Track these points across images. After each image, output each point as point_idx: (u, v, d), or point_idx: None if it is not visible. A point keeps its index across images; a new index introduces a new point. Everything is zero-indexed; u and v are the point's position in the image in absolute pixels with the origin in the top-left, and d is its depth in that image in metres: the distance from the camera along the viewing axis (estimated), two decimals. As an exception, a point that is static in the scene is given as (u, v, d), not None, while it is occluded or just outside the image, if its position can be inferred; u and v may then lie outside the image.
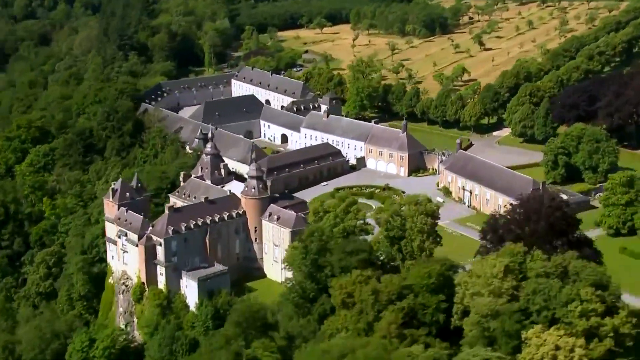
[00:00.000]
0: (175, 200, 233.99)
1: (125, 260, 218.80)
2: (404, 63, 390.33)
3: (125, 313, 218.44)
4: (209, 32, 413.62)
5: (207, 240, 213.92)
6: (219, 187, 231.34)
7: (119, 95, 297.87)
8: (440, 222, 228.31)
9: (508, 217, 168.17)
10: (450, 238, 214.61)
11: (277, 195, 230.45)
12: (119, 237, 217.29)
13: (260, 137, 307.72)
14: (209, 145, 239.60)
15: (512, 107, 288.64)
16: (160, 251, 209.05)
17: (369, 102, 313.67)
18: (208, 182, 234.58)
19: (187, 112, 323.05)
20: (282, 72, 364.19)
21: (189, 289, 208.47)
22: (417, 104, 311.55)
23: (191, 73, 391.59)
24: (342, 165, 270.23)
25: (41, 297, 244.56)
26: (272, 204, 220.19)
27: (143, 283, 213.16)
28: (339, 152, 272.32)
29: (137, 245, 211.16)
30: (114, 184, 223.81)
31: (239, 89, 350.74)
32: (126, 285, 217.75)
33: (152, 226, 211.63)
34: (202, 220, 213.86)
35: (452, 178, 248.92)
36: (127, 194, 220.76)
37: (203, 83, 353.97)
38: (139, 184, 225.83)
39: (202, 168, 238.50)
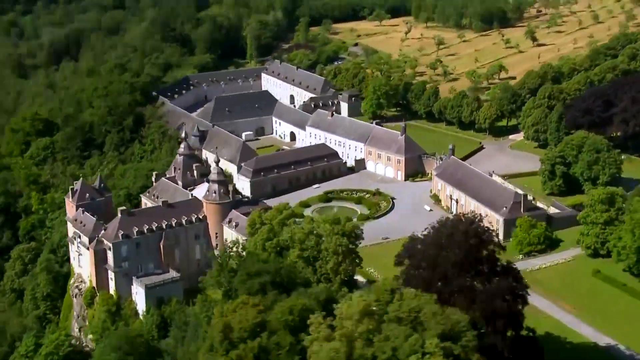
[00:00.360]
0: (146, 201, 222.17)
1: (80, 262, 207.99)
2: (450, 58, 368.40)
3: (78, 317, 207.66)
4: (251, 24, 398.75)
5: (162, 246, 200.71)
6: (187, 189, 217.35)
7: (127, 88, 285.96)
8: (418, 233, 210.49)
9: (426, 241, 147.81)
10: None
11: (246, 199, 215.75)
12: (74, 239, 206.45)
13: (272, 134, 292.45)
14: (182, 145, 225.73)
15: (527, 109, 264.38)
16: (110, 256, 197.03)
17: (386, 100, 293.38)
18: (180, 183, 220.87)
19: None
20: (318, 66, 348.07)
21: (139, 296, 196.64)
22: (434, 103, 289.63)
23: (231, 65, 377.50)
24: (338, 167, 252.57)
25: (15, 294, 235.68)
26: (233, 210, 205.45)
27: (94, 287, 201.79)
28: (336, 153, 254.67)
29: (88, 249, 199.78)
30: (76, 183, 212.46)
31: (267, 83, 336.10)
32: (79, 289, 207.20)
33: (105, 229, 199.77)
34: (156, 224, 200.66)
35: (442, 185, 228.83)
36: (87, 194, 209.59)
37: (232, 76, 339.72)
38: (102, 185, 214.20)
39: (175, 168, 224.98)
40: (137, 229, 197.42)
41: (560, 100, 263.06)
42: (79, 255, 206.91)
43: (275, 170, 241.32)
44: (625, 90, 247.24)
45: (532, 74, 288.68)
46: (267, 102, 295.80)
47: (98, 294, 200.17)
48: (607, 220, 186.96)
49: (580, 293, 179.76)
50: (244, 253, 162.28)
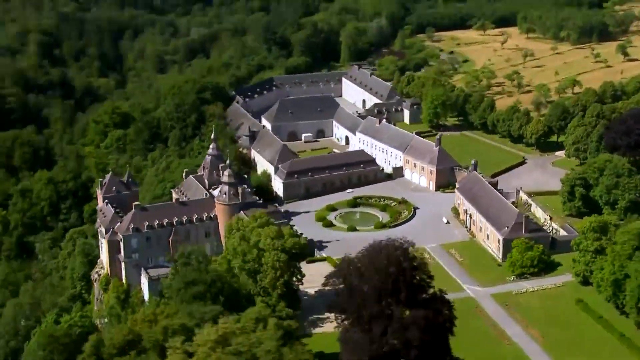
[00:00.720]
0: (175, 197, 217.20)
1: (102, 250, 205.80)
2: (535, 70, 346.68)
3: (97, 300, 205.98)
4: (346, 30, 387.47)
5: (171, 241, 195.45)
6: (211, 188, 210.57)
7: (195, 87, 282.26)
8: (426, 245, 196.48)
9: (357, 264, 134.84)
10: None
11: (260, 201, 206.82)
12: (97, 228, 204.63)
13: (331, 136, 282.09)
14: (211, 145, 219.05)
15: (571, 127, 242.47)
16: (121, 247, 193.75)
17: (442, 109, 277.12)
18: (206, 182, 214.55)
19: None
20: (396, 73, 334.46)
21: (145, 286, 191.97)
22: (489, 115, 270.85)
23: (324, 68, 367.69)
24: (375, 174, 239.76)
25: (65, 272, 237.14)
26: (241, 211, 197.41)
27: (108, 274, 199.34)
28: (373, 160, 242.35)
29: (104, 238, 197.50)
30: (106, 176, 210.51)
31: (347, 87, 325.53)
32: (99, 275, 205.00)
33: (121, 222, 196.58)
34: (167, 220, 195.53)
35: (461, 199, 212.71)
36: (114, 187, 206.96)
37: (315, 79, 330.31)
38: (130, 179, 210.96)
39: (204, 167, 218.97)
40: (147, 224, 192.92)
41: (609, 119, 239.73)
42: (101, 243, 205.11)
43: (310, 174, 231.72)
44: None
45: (589, 92, 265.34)
46: (330, 106, 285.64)
47: (111, 281, 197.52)
48: (598, 248, 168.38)
49: (555, 321, 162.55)
50: (202, 259, 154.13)
